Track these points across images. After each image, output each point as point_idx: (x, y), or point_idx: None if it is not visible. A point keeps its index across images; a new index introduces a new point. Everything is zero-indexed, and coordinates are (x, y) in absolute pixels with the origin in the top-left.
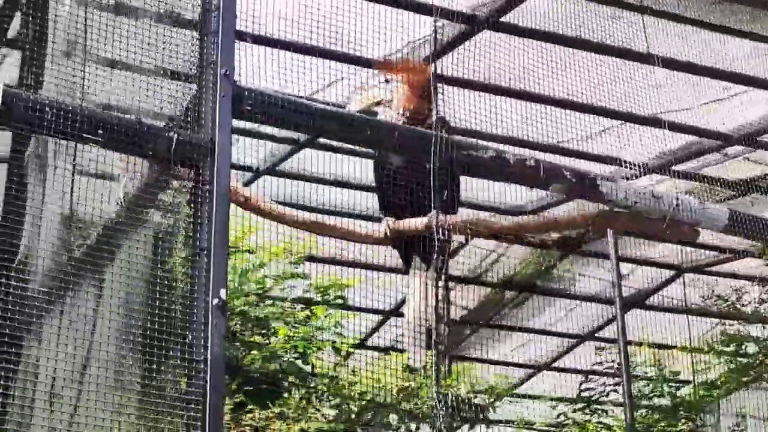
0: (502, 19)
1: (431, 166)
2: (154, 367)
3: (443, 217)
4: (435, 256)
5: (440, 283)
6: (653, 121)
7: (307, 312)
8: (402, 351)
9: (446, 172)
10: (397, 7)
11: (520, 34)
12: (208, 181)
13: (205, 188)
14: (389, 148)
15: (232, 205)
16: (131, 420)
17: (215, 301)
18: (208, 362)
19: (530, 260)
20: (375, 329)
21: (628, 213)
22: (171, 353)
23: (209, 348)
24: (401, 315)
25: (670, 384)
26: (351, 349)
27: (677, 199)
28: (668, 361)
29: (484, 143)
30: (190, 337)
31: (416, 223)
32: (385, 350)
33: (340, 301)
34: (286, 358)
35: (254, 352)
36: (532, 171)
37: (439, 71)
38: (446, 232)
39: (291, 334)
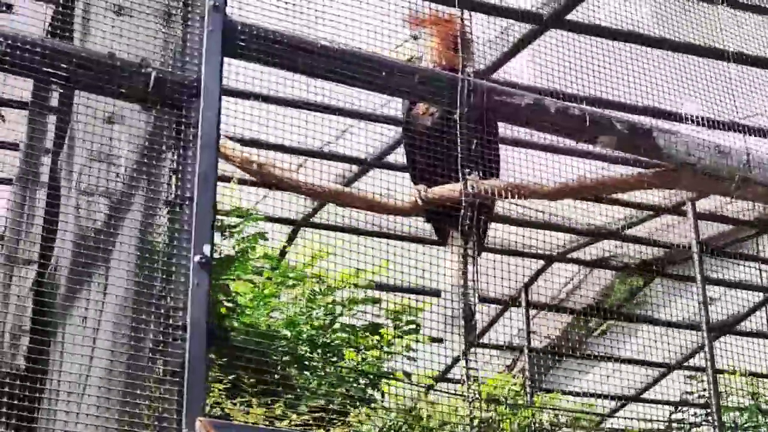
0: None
1: (458, 113)
2: (130, 333)
3: (482, 181)
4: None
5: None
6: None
7: (377, 337)
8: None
9: (481, 126)
10: None
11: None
12: (193, 124)
13: (189, 132)
14: (410, 93)
15: None
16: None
17: (198, 257)
18: (188, 328)
19: (614, 285)
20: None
21: (690, 171)
22: (148, 318)
23: (188, 311)
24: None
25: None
26: (427, 380)
27: (748, 154)
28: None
29: (521, 91)
30: (169, 299)
31: (451, 188)
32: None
33: (412, 326)
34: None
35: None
36: (576, 121)
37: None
38: (486, 198)
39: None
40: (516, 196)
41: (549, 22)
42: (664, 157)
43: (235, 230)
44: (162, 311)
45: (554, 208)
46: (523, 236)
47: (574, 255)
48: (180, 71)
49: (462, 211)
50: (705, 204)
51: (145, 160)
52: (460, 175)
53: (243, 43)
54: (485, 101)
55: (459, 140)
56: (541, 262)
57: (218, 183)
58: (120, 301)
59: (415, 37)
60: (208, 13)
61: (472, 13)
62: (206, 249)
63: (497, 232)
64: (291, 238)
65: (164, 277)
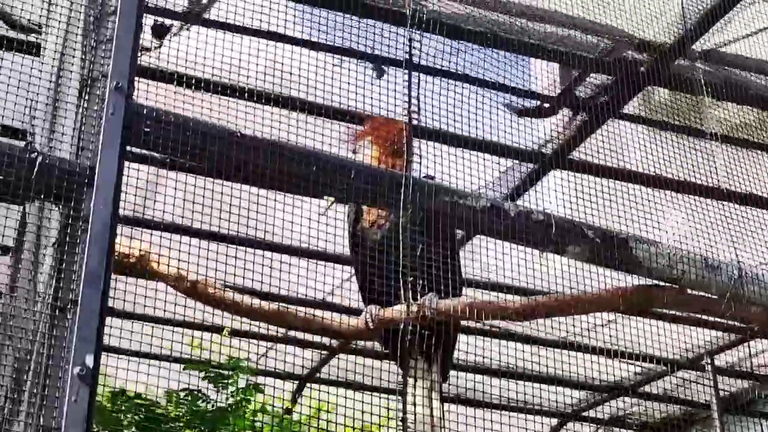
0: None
1: (399, 218)
2: None
3: (440, 300)
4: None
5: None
6: None
7: None
8: None
9: (441, 237)
10: None
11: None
12: (83, 218)
13: (78, 227)
14: (349, 193)
15: None
16: None
17: (77, 369)
18: None
19: None
20: None
21: (673, 289)
22: None
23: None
24: None
25: None
26: None
27: (740, 268)
28: None
29: (476, 191)
30: (42, 418)
31: (403, 309)
32: None
33: None
34: None
35: None
36: (540, 227)
37: None
38: (445, 320)
39: None
40: (478, 317)
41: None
42: (643, 270)
43: (229, 381)
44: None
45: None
46: (532, 395)
47: (590, 413)
48: (72, 158)
49: (408, 335)
50: (726, 358)
51: (25, 257)
52: (402, 292)
53: (148, 130)
54: (435, 202)
55: (401, 249)
56: (554, 421)
57: (206, 331)
58: None
59: (354, 152)
60: (108, 94)
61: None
62: (89, 360)
63: (501, 388)
64: (295, 395)
65: (37, 392)
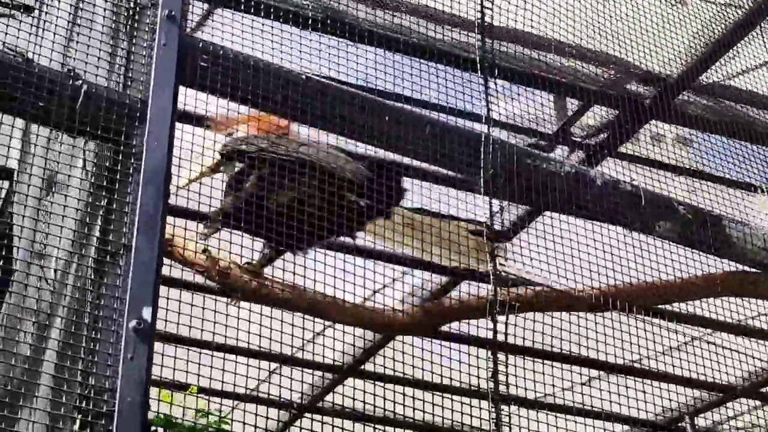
0: None
1: (481, 180)
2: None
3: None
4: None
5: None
6: None
7: None
8: None
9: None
10: None
11: None
12: (135, 155)
13: (130, 164)
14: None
15: None
16: None
17: (133, 322)
18: (115, 416)
19: None
20: None
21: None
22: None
23: (118, 393)
24: None
25: None
26: None
27: None
28: None
29: (559, 157)
30: (92, 377)
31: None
32: None
33: None
34: None
35: None
36: (629, 200)
37: None
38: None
39: None
40: (546, 308)
41: None
42: (736, 252)
43: None
44: (85, 393)
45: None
46: None
47: None
48: (121, 91)
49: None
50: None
51: (74, 199)
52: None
53: (204, 64)
54: (515, 164)
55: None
56: None
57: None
58: (43, 378)
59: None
60: (160, 24)
61: None
62: (146, 312)
63: None
64: None
65: (89, 347)
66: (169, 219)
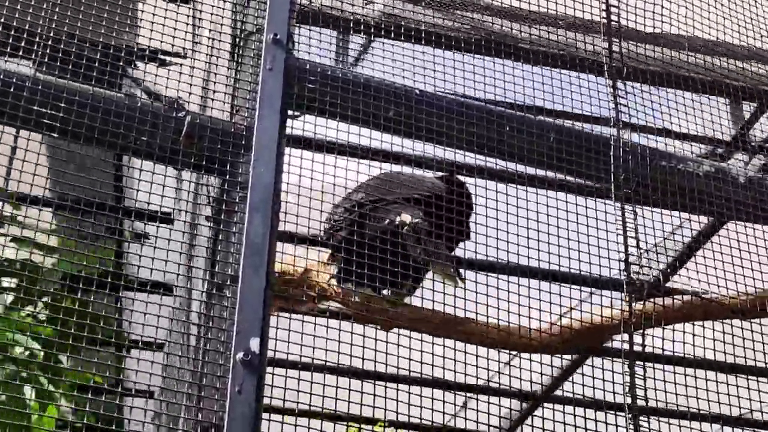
0: None
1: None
2: None
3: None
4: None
5: None
6: None
7: None
8: None
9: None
10: None
11: None
12: (241, 183)
13: (236, 194)
14: (546, 159)
15: None
16: None
17: (240, 354)
18: None
19: None
20: None
21: None
22: None
23: (225, 429)
24: None
25: None
26: None
27: None
28: None
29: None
30: (199, 413)
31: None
32: None
33: None
34: None
35: None
36: None
37: None
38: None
39: None
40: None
41: None
42: None
43: None
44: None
45: None
46: None
47: None
48: (226, 119)
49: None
50: None
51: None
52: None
53: (312, 86)
54: (651, 168)
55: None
56: None
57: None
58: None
59: None
60: (265, 47)
61: None
62: (253, 344)
63: None
64: None
65: (197, 382)
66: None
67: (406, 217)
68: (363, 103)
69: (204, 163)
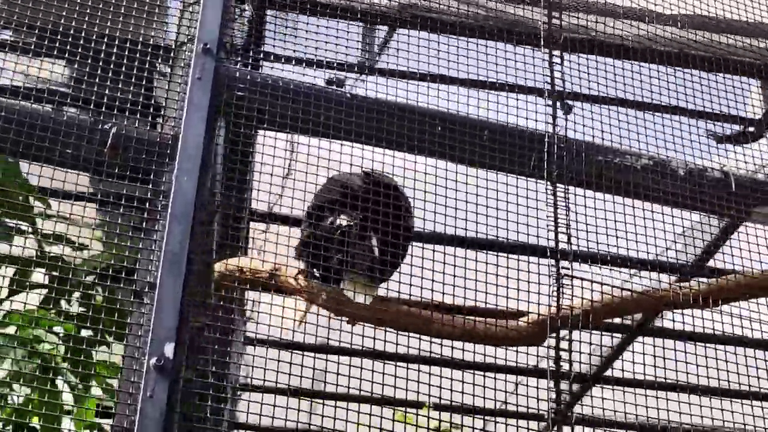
0: None
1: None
2: None
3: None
4: None
5: None
6: None
7: None
8: None
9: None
10: None
11: None
12: (164, 192)
13: (158, 203)
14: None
15: None
16: None
17: (153, 359)
18: None
19: None
20: None
21: None
22: None
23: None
24: None
25: None
26: None
27: None
28: None
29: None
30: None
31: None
32: None
33: None
34: None
35: None
36: (718, 187)
37: None
38: None
39: None
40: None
41: None
42: None
43: None
44: None
45: None
46: None
47: None
48: (153, 130)
49: None
50: None
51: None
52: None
53: (242, 93)
54: (586, 163)
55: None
56: None
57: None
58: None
59: None
60: (195, 57)
61: None
62: (167, 350)
63: None
64: None
65: (110, 387)
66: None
67: (342, 221)
68: (293, 108)
69: (128, 173)
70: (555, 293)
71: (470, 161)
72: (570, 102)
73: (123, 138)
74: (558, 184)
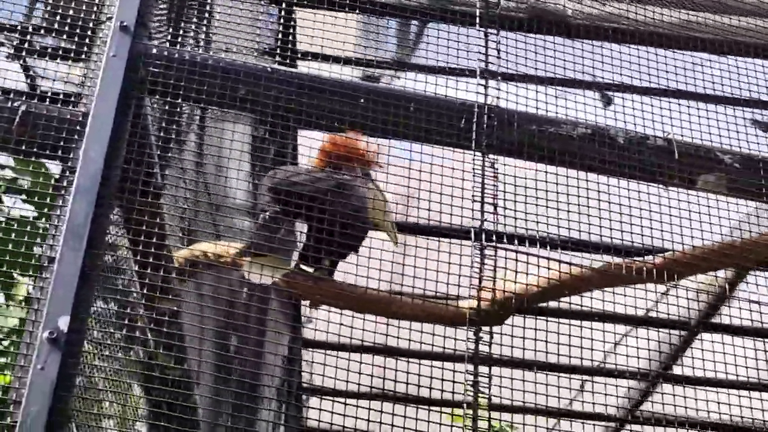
0: None
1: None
2: None
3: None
4: None
5: None
6: None
7: None
8: None
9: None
10: None
11: None
12: (71, 168)
13: (65, 179)
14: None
15: None
16: None
17: (47, 332)
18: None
19: None
20: None
21: None
22: None
23: (23, 403)
24: None
25: None
26: None
27: None
28: None
29: (569, 118)
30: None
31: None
32: None
33: None
34: None
35: None
36: (660, 154)
37: None
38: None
39: None
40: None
41: None
42: None
43: None
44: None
45: None
46: None
47: None
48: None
49: None
50: None
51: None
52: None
53: (158, 70)
54: (519, 133)
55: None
56: None
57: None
58: None
59: None
60: (111, 35)
61: None
62: (62, 323)
63: None
64: None
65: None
66: None
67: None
68: (210, 84)
69: (36, 150)
70: (478, 271)
71: (396, 133)
72: (610, 93)
73: (32, 116)
74: (488, 155)
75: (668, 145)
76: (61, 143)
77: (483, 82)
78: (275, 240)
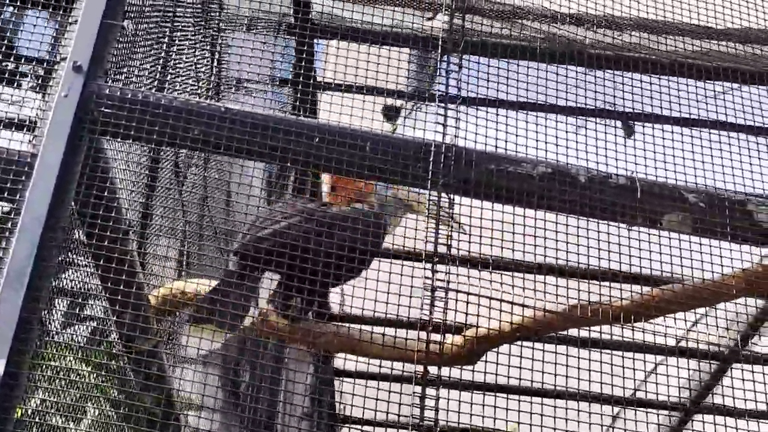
0: None
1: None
2: None
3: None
4: None
5: None
6: None
7: None
8: None
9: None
10: None
11: None
12: (16, 210)
13: (9, 221)
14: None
15: None
16: None
17: None
18: None
19: None
20: None
21: None
22: None
23: None
24: None
25: None
26: None
27: None
28: None
29: (530, 157)
30: None
31: None
32: None
33: None
34: None
35: None
36: (623, 194)
37: None
38: None
39: None
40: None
41: None
42: None
43: None
44: None
45: None
46: None
47: None
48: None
49: None
50: None
51: None
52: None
53: (109, 110)
54: (476, 172)
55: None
56: None
57: None
58: None
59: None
60: (65, 75)
61: None
62: None
63: None
64: None
65: None
66: None
67: None
68: (161, 124)
69: None
70: (428, 307)
71: (351, 173)
72: (631, 122)
73: None
74: (443, 194)
75: (631, 184)
76: (8, 185)
77: (442, 112)
78: (228, 302)
